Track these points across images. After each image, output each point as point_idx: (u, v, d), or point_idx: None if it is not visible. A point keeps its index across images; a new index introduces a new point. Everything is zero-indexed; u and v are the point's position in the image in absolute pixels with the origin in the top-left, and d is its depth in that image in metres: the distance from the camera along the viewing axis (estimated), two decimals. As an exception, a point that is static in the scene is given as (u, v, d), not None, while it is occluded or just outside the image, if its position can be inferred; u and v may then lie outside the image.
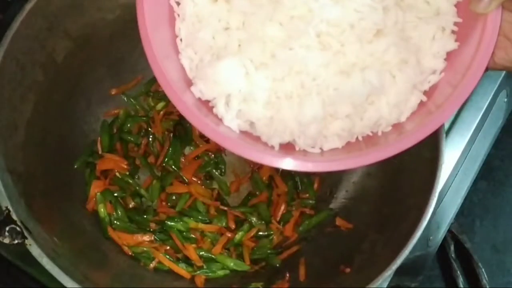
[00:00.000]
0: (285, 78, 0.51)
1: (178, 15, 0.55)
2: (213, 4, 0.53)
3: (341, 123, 0.52)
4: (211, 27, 0.53)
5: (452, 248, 0.84)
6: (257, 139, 0.53)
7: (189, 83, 0.54)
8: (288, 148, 0.52)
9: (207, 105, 0.53)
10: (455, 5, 0.52)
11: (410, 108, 0.53)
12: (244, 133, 0.53)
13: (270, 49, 0.50)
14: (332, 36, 0.50)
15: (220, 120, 0.53)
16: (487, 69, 0.50)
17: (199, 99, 0.53)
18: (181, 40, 0.55)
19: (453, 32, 0.52)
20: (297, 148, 0.52)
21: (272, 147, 0.52)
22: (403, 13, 0.51)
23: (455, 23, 0.52)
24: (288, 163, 0.50)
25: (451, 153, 0.81)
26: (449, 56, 0.53)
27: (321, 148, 0.52)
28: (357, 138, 0.53)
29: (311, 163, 0.50)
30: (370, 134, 0.53)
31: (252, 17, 0.51)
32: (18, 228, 0.61)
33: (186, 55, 0.54)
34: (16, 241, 0.61)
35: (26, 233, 0.61)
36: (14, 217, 0.61)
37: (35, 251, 0.61)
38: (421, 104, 0.53)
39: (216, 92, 0.52)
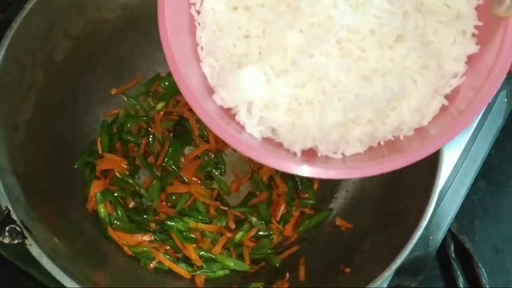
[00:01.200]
0: (306, 84, 0.51)
1: (199, 24, 0.55)
2: (233, 13, 0.53)
3: (363, 128, 0.52)
4: (231, 35, 0.53)
5: (452, 248, 0.84)
6: (280, 145, 0.53)
7: (210, 91, 0.54)
8: (310, 154, 0.52)
9: (228, 113, 0.53)
10: (476, 8, 0.52)
11: (432, 112, 0.52)
12: (266, 139, 0.53)
13: (290, 56, 0.50)
14: (353, 42, 0.50)
15: (242, 127, 0.53)
16: (509, 73, 0.50)
17: (221, 107, 0.53)
18: (202, 48, 0.55)
19: (473, 35, 0.52)
20: (319, 154, 0.52)
21: (295, 154, 0.52)
22: (423, 18, 0.51)
23: (476, 27, 0.52)
24: (310, 171, 0.50)
25: (451, 153, 0.81)
26: (471, 59, 0.52)
27: (343, 154, 0.52)
28: (378, 142, 0.53)
29: (334, 171, 0.50)
30: (392, 138, 0.53)
31: (272, 25, 0.51)
32: (18, 228, 0.61)
33: (207, 63, 0.54)
34: (16, 241, 0.61)
35: (26, 233, 0.61)
36: (14, 217, 0.61)
37: (35, 251, 0.61)
38: (444, 108, 0.53)
39: (238, 100, 0.52)
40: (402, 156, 0.50)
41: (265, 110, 0.52)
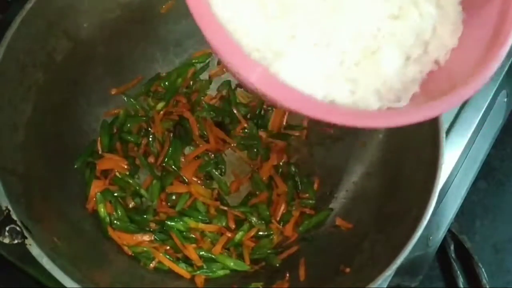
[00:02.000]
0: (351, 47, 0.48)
1: None
2: None
3: (415, 66, 0.50)
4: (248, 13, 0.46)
5: (452, 248, 0.84)
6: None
7: None
8: None
9: None
10: None
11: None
12: None
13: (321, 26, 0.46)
14: None
15: None
16: None
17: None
18: None
19: None
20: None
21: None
22: None
23: None
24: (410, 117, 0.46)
25: (451, 153, 0.81)
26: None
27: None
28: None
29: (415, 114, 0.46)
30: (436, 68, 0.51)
31: None
32: (18, 228, 0.61)
33: None
34: (16, 241, 0.61)
35: (26, 233, 0.61)
36: (14, 217, 0.61)
37: (35, 251, 0.61)
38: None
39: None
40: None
41: (326, 85, 0.47)
